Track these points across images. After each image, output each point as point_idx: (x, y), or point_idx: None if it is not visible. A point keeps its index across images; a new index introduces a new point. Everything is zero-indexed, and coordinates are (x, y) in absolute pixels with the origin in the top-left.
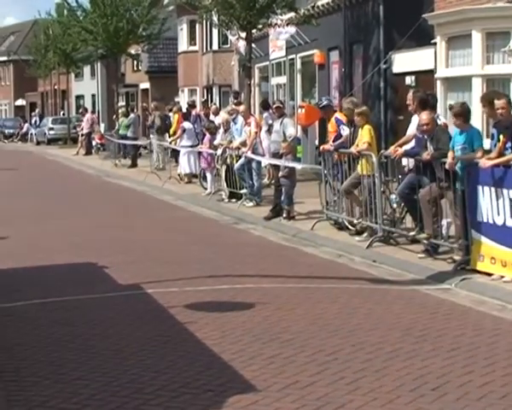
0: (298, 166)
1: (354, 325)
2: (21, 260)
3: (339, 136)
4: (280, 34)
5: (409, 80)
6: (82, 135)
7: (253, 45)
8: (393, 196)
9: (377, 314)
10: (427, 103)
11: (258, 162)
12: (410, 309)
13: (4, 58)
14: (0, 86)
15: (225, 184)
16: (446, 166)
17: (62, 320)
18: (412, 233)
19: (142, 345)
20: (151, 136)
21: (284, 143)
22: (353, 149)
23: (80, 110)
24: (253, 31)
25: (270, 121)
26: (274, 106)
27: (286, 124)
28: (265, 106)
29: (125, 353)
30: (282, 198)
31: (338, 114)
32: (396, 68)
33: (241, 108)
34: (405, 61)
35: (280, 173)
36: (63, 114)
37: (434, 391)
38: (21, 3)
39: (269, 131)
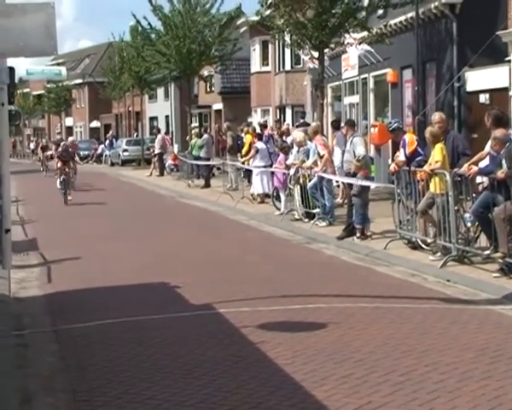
0: (371, 184)
1: (427, 345)
2: (94, 280)
3: (414, 156)
4: (355, 49)
5: (483, 98)
6: (154, 156)
7: (326, 65)
8: (467, 215)
9: (451, 334)
10: (502, 121)
11: (329, 181)
12: (484, 329)
13: (80, 80)
14: (75, 108)
15: (298, 204)
16: None
17: (134, 340)
18: (487, 252)
19: (214, 365)
20: (228, 157)
21: (355, 163)
22: (426, 168)
23: (154, 131)
24: (326, 50)
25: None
26: (343, 125)
27: (355, 143)
28: (336, 126)
29: (197, 373)
30: (354, 217)
31: (406, 136)
32: (470, 86)
33: (309, 128)
34: (479, 79)
35: (351, 192)
36: (137, 136)
37: None
38: (96, 26)
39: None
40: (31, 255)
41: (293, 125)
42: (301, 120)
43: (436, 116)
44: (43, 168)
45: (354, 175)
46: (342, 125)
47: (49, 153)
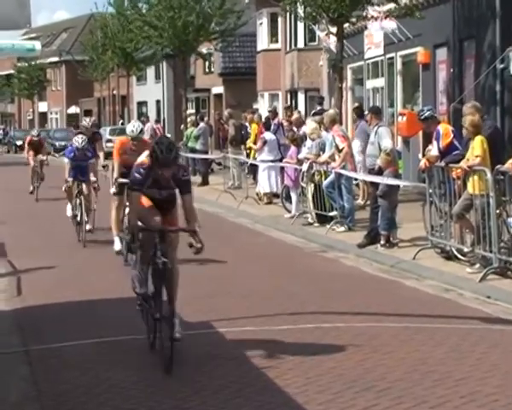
0: (399, 183)
1: (464, 372)
2: (70, 293)
3: (449, 150)
4: (379, 27)
5: None
6: None
7: (345, 42)
8: (511, 220)
9: (491, 360)
10: None
11: (349, 179)
12: None
13: (55, 59)
14: (50, 91)
15: (312, 205)
16: None
17: (117, 363)
18: None
19: (213, 393)
20: (229, 149)
21: (383, 156)
22: (463, 164)
23: (142, 118)
24: (346, 25)
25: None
26: (367, 113)
27: (381, 134)
28: (360, 113)
29: (192, 402)
30: (379, 222)
31: (440, 127)
32: None
33: (326, 116)
34: None
35: (377, 192)
36: (122, 124)
37: None
38: None
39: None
40: None
41: (306, 112)
42: (318, 107)
43: (468, 109)
44: (35, 184)
45: (379, 172)
46: (366, 112)
47: (44, 157)
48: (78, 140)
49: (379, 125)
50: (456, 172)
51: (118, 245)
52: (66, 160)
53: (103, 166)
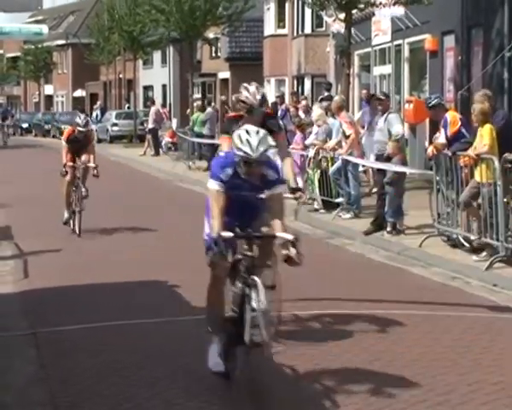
0: (406, 170)
1: (471, 360)
2: (78, 276)
3: (457, 138)
4: (385, 14)
5: None
6: (148, 132)
7: (353, 28)
8: None
9: (498, 348)
10: None
11: (356, 166)
12: None
13: (62, 42)
14: (56, 74)
15: (318, 192)
16: None
17: (126, 348)
18: None
19: (215, 378)
20: None
21: (392, 143)
22: (471, 152)
23: (147, 102)
24: (354, 11)
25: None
26: (376, 99)
27: (391, 120)
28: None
29: (198, 388)
30: (386, 209)
31: (448, 114)
32: None
33: (333, 103)
34: None
35: (385, 179)
36: (128, 108)
37: None
38: None
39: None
40: (4, 246)
41: (312, 98)
42: (326, 93)
43: (478, 97)
44: (75, 209)
45: (387, 159)
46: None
47: (92, 163)
48: (252, 139)
49: (389, 111)
50: (464, 160)
51: None
52: (213, 184)
53: (295, 198)
